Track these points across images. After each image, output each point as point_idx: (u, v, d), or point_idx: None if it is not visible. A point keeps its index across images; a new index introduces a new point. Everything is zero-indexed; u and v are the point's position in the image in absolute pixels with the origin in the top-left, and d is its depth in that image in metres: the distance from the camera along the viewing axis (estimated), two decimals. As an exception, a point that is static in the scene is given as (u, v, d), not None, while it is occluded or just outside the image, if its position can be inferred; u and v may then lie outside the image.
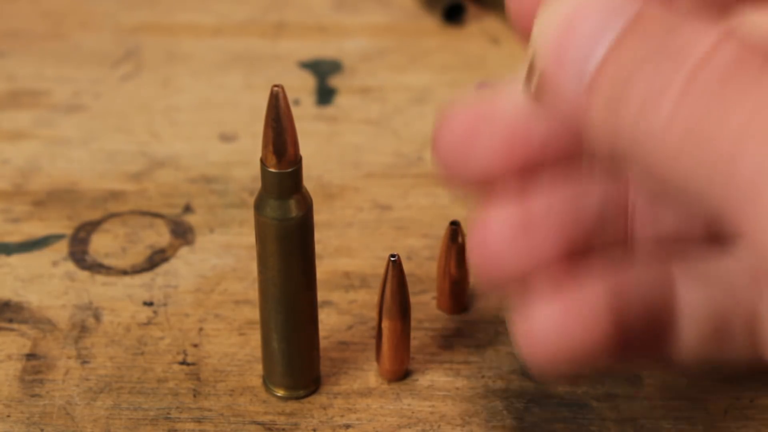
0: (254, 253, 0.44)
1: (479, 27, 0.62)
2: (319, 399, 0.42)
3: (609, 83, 0.30)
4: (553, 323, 0.34)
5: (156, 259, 0.48)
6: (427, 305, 0.46)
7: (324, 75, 0.58)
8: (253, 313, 0.45)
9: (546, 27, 0.32)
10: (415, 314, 0.45)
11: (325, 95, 0.57)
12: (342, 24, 0.62)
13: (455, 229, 0.43)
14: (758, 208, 0.28)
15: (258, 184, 0.39)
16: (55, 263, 0.48)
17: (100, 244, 0.49)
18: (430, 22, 0.62)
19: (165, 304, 0.46)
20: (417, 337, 0.44)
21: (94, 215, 0.50)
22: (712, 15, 0.34)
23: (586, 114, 0.31)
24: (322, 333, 0.44)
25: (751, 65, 0.29)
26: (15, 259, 0.48)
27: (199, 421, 0.42)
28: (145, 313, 0.46)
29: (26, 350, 0.44)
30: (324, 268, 0.47)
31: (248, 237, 0.49)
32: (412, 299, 0.43)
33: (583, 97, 0.31)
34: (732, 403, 0.42)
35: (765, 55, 0.29)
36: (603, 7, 0.31)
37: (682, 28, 0.30)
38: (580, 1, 0.32)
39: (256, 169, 0.40)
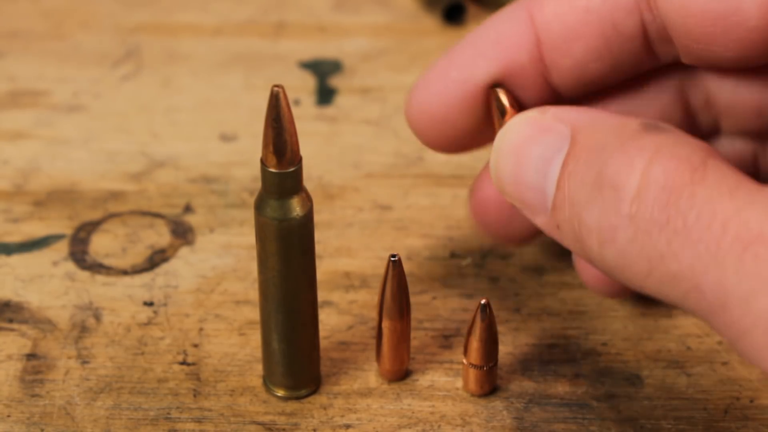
0: (254, 253, 0.44)
1: (479, 27, 0.62)
2: (319, 399, 0.42)
3: (568, 212, 0.35)
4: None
5: (156, 259, 0.48)
6: (427, 305, 0.46)
7: (324, 75, 0.58)
8: (254, 313, 0.45)
9: (501, 165, 0.38)
10: (415, 314, 0.45)
11: (325, 95, 0.57)
12: (342, 24, 0.62)
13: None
14: (727, 316, 0.32)
15: (258, 184, 0.39)
16: (55, 263, 0.48)
17: (100, 244, 0.49)
18: (430, 22, 0.62)
19: (165, 304, 0.46)
20: (417, 337, 0.44)
21: (94, 215, 0.50)
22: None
23: (555, 236, 0.36)
24: (322, 333, 0.44)
25: (683, 184, 0.32)
26: (15, 259, 0.48)
27: (199, 421, 0.42)
28: (145, 313, 0.46)
29: (26, 350, 0.44)
30: (324, 268, 0.47)
31: (248, 237, 0.49)
32: (412, 299, 0.43)
33: (549, 221, 0.36)
34: (732, 403, 0.42)
35: (693, 164, 0.33)
36: (544, 139, 0.36)
37: (612, 154, 0.34)
38: (519, 137, 0.37)
39: (256, 169, 0.40)
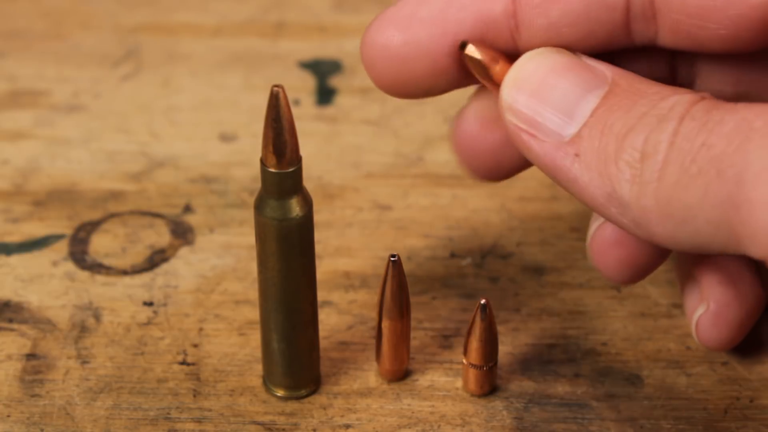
0: (254, 253, 0.44)
1: (479, 27, 0.62)
2: (319, 399, 0.42)
3: (598, 139, 0.35)
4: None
5: (156, 259, 0.48)
6: (427, 305, 0.46)
7: (324, 75, 0.58)
8: (253, 313, 0.45)
9: (524, 80, 0.37)
10: (415, 314, 0.45)
11: (325, 95, 0.57)
12: (342, 24, 0.62)
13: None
14: (741, 194, 0.32)
15: (258, 184, 0.39)
16: (55, 263, 0.48)
17: (100, 244, 0.49)
18: (430, 22, 0.62)
19: (165, 304, 0.46)
20: (417, 337, 0.44)
21: (94, 215, 0.50)
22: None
23: (567, 164, 0.36)
24: (322, 333, 0.44)
25: (719, 109, 0.34)
26: (15, 259, 0.48)
27: (199, 421, 0.42)
28: (145, 313, 0.46)
29: (26, 350, 0.44)
30: (324, 268, 0.47)
31: (248, 237, 0.49)
32: (412, 299, 0.43)
33: (564, 149, 0.36)
34: (732, 403, 0.42)
35: (727, 103, 0.34)
36: (582, 74, 0.37)
37: (656, 95, 0.35)
38: (553, 65, 0.37)
39: (256, 169, 0.40)
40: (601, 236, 0.40)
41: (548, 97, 0.36)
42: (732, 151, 0.33)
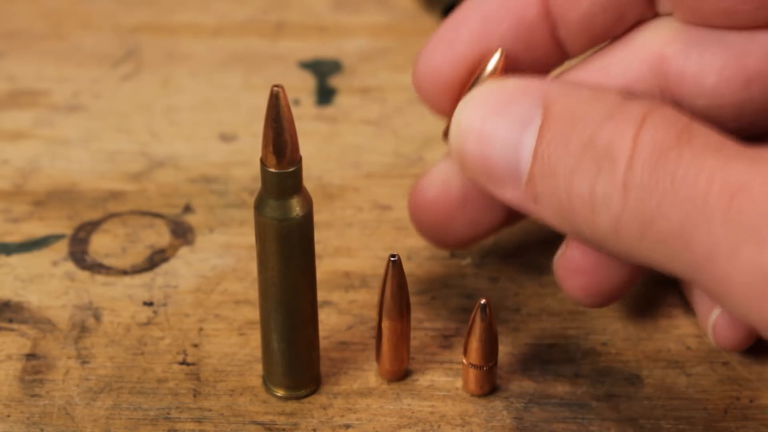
0: (254, 253, 0.44)
1: (479, 27, 0.62)
2: (319, 399, 0.42)
3: (548, 182, 0.35)
4: None
5: (156, 259, 0.48)
6: (427, 305, 0.46)
7: (324, 75, 0.58)
8: (253, 313, 0.45)
9: (462, 139, 0.37)
10: (415, 314, 0.45)
11: (325, 95, 0.57)
12: (342, 24, 0.62)
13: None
14: (715, 271, 0.32)
15: (258, 184, 0.39)
16: (55, 263, 0.48)
17: (100, 244, 0.49)
18: (430, 22, 0.62)
19: (165, 304, 0.46)
20: (417, 337, 0.44)
21: (94, 215, 0.50)
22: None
23: (531, 206, 0.36)
24: (322, 333, 0.44)
25: (669, 147, 0.33)
26: (15, 259, 0.48)
27: (199, 421, 0.42)
28: (145, 313, 0.46)
29: (26, 350, 0.44)
30: (324, 268, 0.47)
31: (248, 237, 0.49)
32: (412, 299, 0.43)
33: (524, 194, 0.36)
34: (732, 403, 0.42)
35: (678, 128, 0.33)
36: (511, 110, 0.36)
37: (601, 123, 0.34)
38: (484, 111, 0.37)
39: (256, 169, 0.40)
40: (565, 262, 0.40)
41: (491, 147, 0.36)
42: (691, 227, 0.32)
